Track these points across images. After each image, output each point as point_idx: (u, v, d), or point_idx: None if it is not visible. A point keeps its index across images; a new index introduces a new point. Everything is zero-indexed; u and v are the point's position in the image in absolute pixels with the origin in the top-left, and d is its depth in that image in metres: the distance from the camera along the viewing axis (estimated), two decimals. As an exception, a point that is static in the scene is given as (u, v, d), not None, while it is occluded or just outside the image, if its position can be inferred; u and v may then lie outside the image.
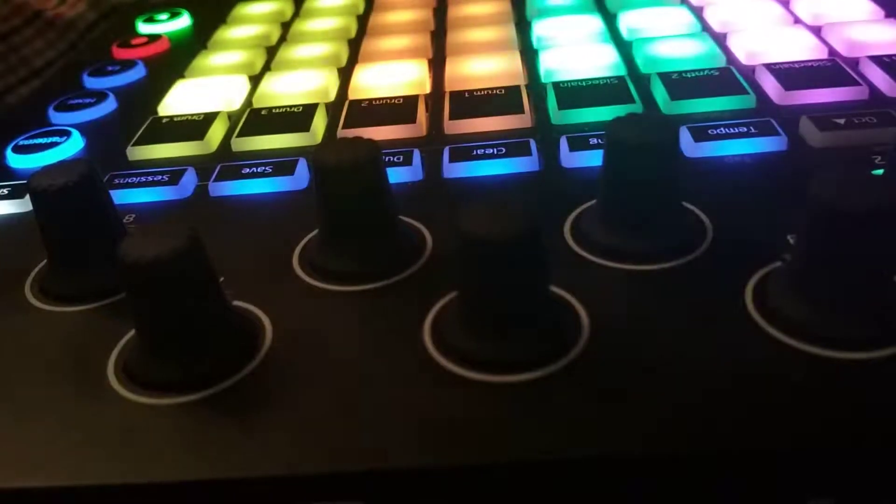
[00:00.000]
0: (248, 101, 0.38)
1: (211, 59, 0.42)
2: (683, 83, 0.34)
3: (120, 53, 0.46)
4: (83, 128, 0.37)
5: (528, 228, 0.20)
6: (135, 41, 0.46)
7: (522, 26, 0.43)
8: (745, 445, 0.19)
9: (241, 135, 0.33)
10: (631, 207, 0.24)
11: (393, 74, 0.37)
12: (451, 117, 0.33)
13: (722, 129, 0.30)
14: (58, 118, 0.38)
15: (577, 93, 0.34)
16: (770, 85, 0.33)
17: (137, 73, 0.43)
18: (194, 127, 0.34)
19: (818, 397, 0.19)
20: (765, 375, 0.20)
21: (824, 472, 0.19)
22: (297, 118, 0.34)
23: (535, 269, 0.21)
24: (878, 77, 0.33)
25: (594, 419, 0.19)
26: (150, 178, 0.31)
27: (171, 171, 0.31)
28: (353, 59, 0.41)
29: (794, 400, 0.19)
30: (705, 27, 0.40)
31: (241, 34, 0.46)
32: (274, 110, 0.35)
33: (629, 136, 0.23)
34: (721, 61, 0.36)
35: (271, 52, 0.43)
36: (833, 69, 0.34)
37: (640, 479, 0.19)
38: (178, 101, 0.38)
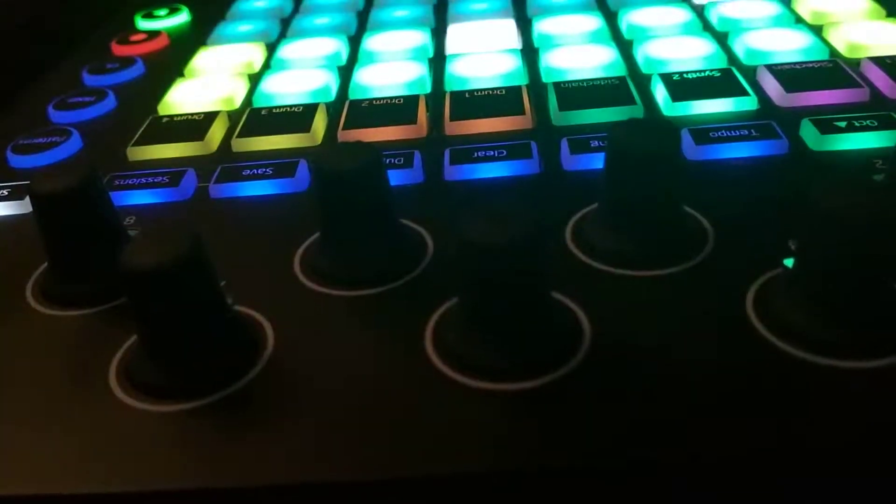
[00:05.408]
0: (248, 100, 0.38)
1: (210, 56, 0.42)
2: (684, 84, 0.33)
3: (119, 50, 0.46)
4: (82, 126, 0.37)
5: (529, 236, 0.20)
6: (134, 38, 0.46)
7: (523, 25, 0.43)
8: (747, 452, 0.19)
9: (241, 135, 0.33)
10: (632, 213, 0.24)
11: (393, 74, 0.37)
12: (452, 118, 0.33)
13: (723, 131, 0.30)
14: (57, 117, 0.38)
15: (577, 93, 0.34)
16: (771, 86, 0.33)
17: (136, 70, 0.43)
18: (194, 127, 0.34)
19: (818, 405, 0.19)
20: (765, 382, 0.20)
21: (824, 479, 0.19)
22: (297, 118, 0.34)
23: (536, 277, 0.21)
24: (879, 78, 0.33)
25: (595, 426, 0.19)
26: (150, 180, 0.31)
27: (172, 172, 0.31)
28: (353, 58, 0.41)
29: (795, 407, 0.19)
30: (706, 26, 0.40)
31: (240, 31, 0.45)
32: (274, 110, 0.35)
33: (631, 143, 0.23)
34: (723, 62, 0.36)
35: (271, 49, 0.43)
36: (834, 70, 0.33)
37: (641, 485, 0.19)
38: (178, 100, 0.38)
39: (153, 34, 0.46)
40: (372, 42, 0.42)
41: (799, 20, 0.40)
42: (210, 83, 0.39)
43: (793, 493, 0.19)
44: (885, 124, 0.29)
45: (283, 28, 0.46)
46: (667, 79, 0.34)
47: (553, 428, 0.20)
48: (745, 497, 0.19)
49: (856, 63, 0.35)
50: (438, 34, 0.43)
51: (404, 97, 0.35)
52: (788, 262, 0.23)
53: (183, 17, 0.50)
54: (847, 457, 0.19)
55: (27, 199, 0.30)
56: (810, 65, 0.34)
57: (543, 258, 0.21)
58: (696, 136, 0.30)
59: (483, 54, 0.39)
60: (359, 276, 0.25)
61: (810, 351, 0.21)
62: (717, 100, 0.32)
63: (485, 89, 0.35)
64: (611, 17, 0.42)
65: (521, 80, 0.37)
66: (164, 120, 0.36)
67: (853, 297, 0.21)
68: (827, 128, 0.29)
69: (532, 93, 0.35)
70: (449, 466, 0.19)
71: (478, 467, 0.19)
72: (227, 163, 0.32)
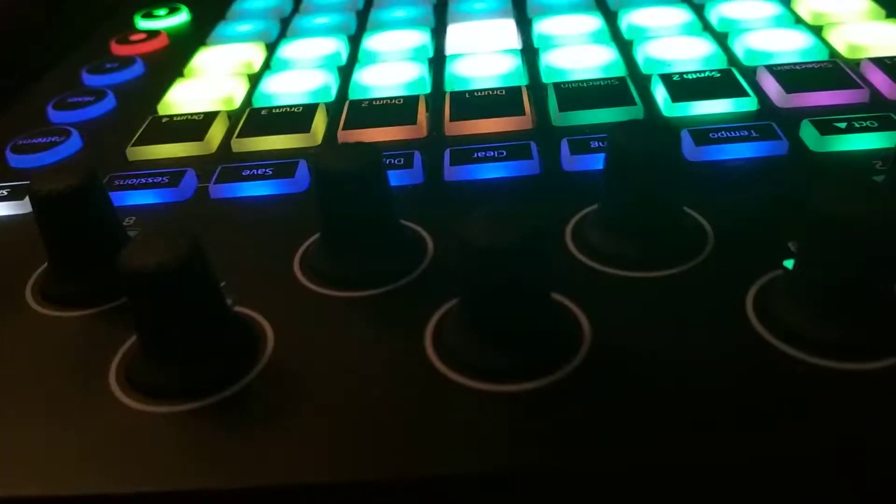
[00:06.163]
0: (248, 100, 0.38)
1: (210, 56, 0.42)
2: (685, 85, 0.33)
3: (118, 50, 0.46)
4: (82, 126, 0.37)
5: (529, 238, 0.20)
6: (133, 37, 0.46)
7: (523, 25, 0.43)
8: (747, 454, 0.19)
9: (241, 135, 0.33)
10: (633, 215, 0.24)
11: (393, 74, 0.37)
12: (452, 118, 0.33)
13: (723, 132, 0.30)
14: (57, 116, 0.38)
15: (577, 94, 0.34)
16: (771, 87, 0.33)
17: (136, 70, 0.43)
18: (194, 127, 0.34)
19: (819, 407, 0.19)
20: (765, 384, 0.20)
21: (825, 483, 0.19)
22: (297, 118, 0.34)
23: (537, 281, 0.21)
24: (879, 79, 0.33)
25: (595, 427, 0.19)
26: (150, 180, 0.31)
27: (171, 172, 0.31)
28: (353, 57, 0.41)
29: (796, 410, 0.19)
30: (706, 26, 0.40)
31: (240, 30, 0.45)
32: (274, 110, 0.35)
33: (631, 145, 0.23)
34: (723, 62, 0.36)
35: (271, 49, 0.43)
36: (834, 71, 0.33)
37: (641, 486, 0.19)
38: (178, 99, 0.38)
39: (153, 34, 0.46)
40: (372, 42, 0.42)
41: (799, 21, 0.40)
42: (210, 83, 0.39)
43: (793, 495, 0.19)
44: (885, 125, 0.29)
45: (282, 28, 0.46)
46: (667, 79, 0.34)
47: (552, 429, 0.20)
48: (744, 499, 0.19)
49: (856, 64, 0.35)
50: (438, 34, 0.43)
51: (404, 97, 0.35)
52: (788, 264, 0.23)
53: (182, 17, 0.50)
54: (847, 459, 0.19)
55: (27, 199, 0.30)
56: (810, 65, 0.34)
57: (544, 261, 0.21)
58: (696, 136, 0.30)
59: (483, 54, 0.39)
60: (359, 276, 0.25)
61: (810, 352, 0.21)
62: (717, 100, 0.32)
63: (485, 90, 0.35)
64: (611, 18, 0.42)
65: (521, 81, 0.37)
66: (164, 120, 0.36)
67: (853, 299, 0.21)
68: (827, 129, 0.29)
69: (532, 93, 0.35)
70: (449, 467, 0.19)
71: (478, 468, 0.19)
72: (227, 163, 0.32)
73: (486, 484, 0.19)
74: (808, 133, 0.30)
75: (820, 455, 0.19)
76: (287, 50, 0.42)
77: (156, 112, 0.37)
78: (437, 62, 0.39)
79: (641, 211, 0.24)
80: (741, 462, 0.19)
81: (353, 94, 0.37)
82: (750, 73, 0.35)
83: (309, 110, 0.35)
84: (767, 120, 0.31)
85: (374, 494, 0.19)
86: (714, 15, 0.41)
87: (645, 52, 0.37)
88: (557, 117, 0.33)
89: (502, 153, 0.30)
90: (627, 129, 0.23)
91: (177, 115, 0.36)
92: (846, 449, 0.19)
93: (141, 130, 0.35)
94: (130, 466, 0.20)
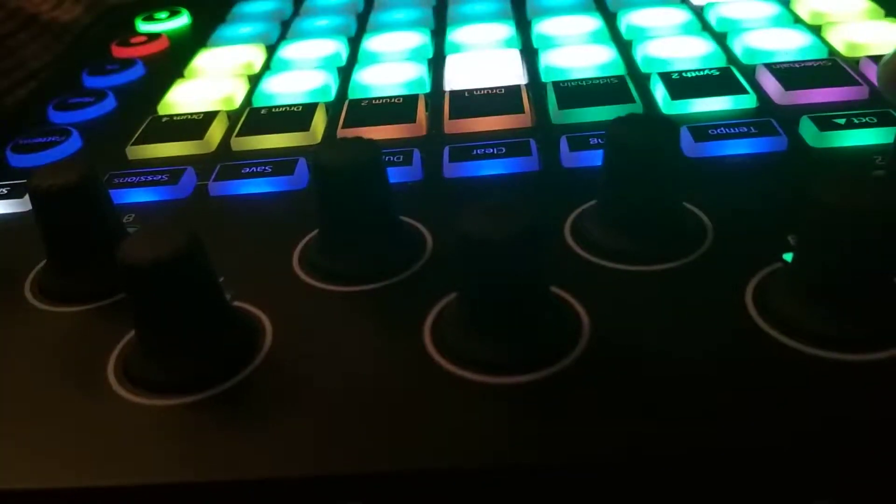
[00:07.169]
0: (248, 100, 0.38)
1: (210, 57, 0.42)
2: (684, 83, 0.33)
3: (119, 52, 0.46)
4: (82, 126, 0.37)
5: (528, 230, 0.20)
6: (134, 40, 0.46)
7: (523, 24, 0.43)
8: (747, 445, 0.19)
9: (240, 134, 0.33)
10: (631, 208, 0.24)
11: (393, 73, 0.37)
12: (451, 117, 0.33)
13: (722, 129, 0.30)
14: (57, 117, 0.38)
15: (576, 92, 0.34)
16: (770, 85, 0.33)
17: (136, 71, 0.43)
18: (194, 126, 0.34)
19: (819, 398, 0.19)
20: (765, 376, 0.20)
21: (825, 472, 0.19)
22: (296, 117, 0.34)
23: (535, 272, 0.21)
24: (878, 77, 0.33)
25: (594, 422, 0.19)
26: (149, 178, 0.31)
27: (171, 170, 0.31)
28: (353, 58, 0.41)
29: (796, 401, 0.19)
30: (705, 26, 0.40)
31: (240, 33, 0.46)
32: (273, 109, 0.35)
33: (630, 137, 0.23)
34: (722, 61, 0.36)
35: (271, 50, 0.43)
36: (833, 69, 0.34)
37: (641, 481, 0.19)
38: (178, 100, 0.38)
39: (153, 36, 0.47)
40: (372, 43, 0.42)
41: (798, 20, 0.40)
42: (210, 84, 0.39)
43: (794, 487, 0.19)
44: (884, 121, 0.29)
45: (283, 30, 0.46)
46: (666, 77, 0.34)
47: (551, 423, 0.19)
48: (746, 492, 0.19)
49: (855, 62, 0.35)
50: (438, 35, 0.43)
51: (404, 96, 0.35)
52: (788, 257, 0.23)
53: (183, 20, 0.50)
54: (847, 450, 0.19)
55: (27, 197, 0.30)
56: (809, 63, 0.34)
57: (542, 253, 0.21)
58: (695, 133, 0.30)
59: (482, 55, 0.39)
60: (358, 271, 0.25)
61: (810, 344, 0.21)
62: (716, 98, 0.32)
63: (484, 88, 0.35)
64: (610, 18, 0.42)
65: (521, 80, 0.37)
66: (164, 119, 0.36)
67: (853, 291, 0.21)
68: (826, 125, 0.29)
69: (531, 92, 0.35)
70: (447, 461, 0.19)
71: (477, 461, 0.19)
72: (227, 161, 0.32)
73: (486, 477, 0.19)
74: (807, 129, 0.30)
75: (820, 446, 0.19)
76: (287, 51, 0.42)
77: (156, 112, 0.37)
78: (437, 62, 0.39)
79: (640, 204, 0.24)
80: (741, 454, 0.19)
81: (353, 94, 0.37)
82: (749, 72, 0.35)
83: (309, 109, 0.35)
84: (766, 117, 0.31)
85: (372, 488, 0.19)
86: (713, 15, 0.41)
87: (644, 52, 0.37)
88: (557, 115, 0.33)
89: (501, 150, 0.30)
90: (626, 122, 0.23)
91: (177, 115, 0.36)
92: (846, 440, 0.19)
93: (141, 130, 0.35)
94: (129, 460, 0.20)
